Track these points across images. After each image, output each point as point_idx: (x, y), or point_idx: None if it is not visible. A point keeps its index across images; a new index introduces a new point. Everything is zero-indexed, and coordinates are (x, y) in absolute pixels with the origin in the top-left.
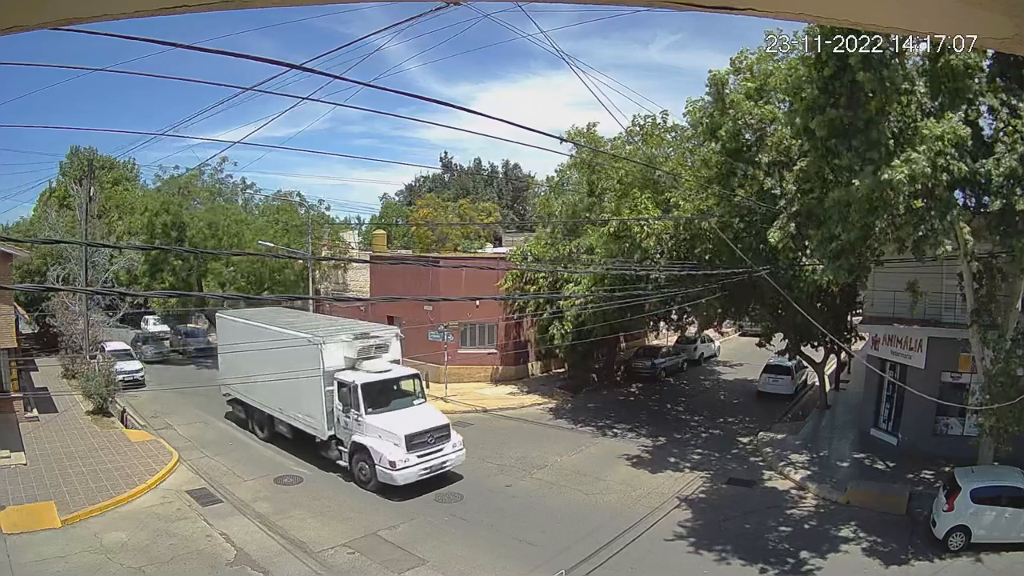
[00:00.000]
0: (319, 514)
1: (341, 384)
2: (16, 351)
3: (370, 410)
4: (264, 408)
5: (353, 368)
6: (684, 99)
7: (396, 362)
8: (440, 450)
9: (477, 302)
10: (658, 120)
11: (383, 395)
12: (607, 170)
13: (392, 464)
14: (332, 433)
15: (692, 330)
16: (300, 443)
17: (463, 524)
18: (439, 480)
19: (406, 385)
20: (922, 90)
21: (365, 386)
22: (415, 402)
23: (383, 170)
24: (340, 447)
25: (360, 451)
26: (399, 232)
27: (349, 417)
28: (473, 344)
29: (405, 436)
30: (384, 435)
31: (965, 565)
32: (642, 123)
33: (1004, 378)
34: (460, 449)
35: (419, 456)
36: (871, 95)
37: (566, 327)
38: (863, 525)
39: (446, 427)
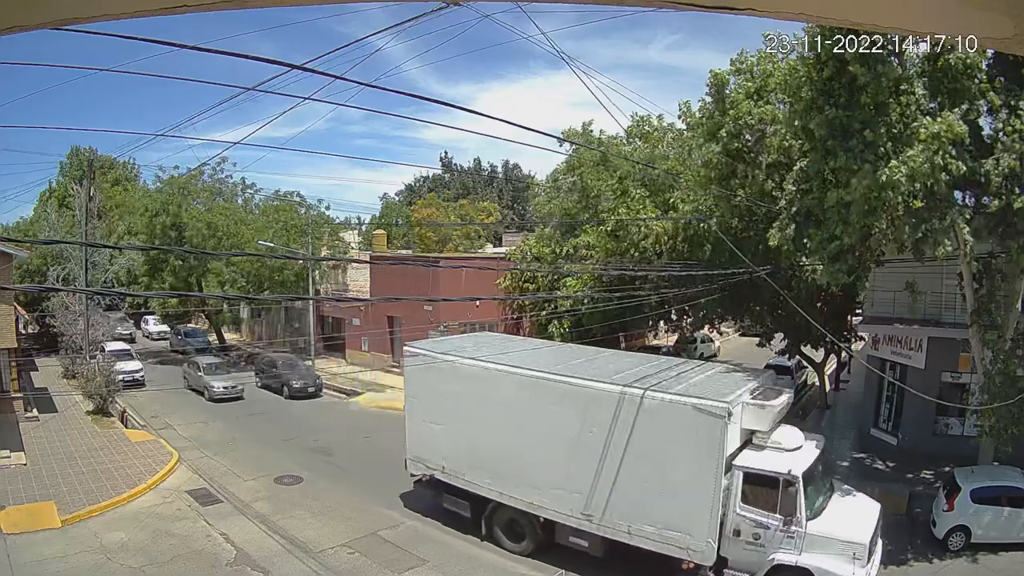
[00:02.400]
0: (319, 514)
1: (754, 477)
2: (16, 351)
3: (808, 512)
4: (540, 510)
5: (751, 445)
6: (683, 99)
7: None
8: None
9: (477, 302)
10: (655, 121)
11: (814, 484)
12: (605, 172)
13: None
14: (721, 555)
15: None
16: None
17: (463, 524)
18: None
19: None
20: (920, 90)
21: (806, 476)
22: (833, 482)
23: (383, 170)
24: None
25: None
26: (399, 232)
27: (769, 528)
28: None
29: (867, 542)
30: (833, 546)
31: (965, 565)
32: (640, 122)
33: (1003, 378)
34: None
35: (866, 567)
36: (869, 94)
37: (564, 326)
38: None
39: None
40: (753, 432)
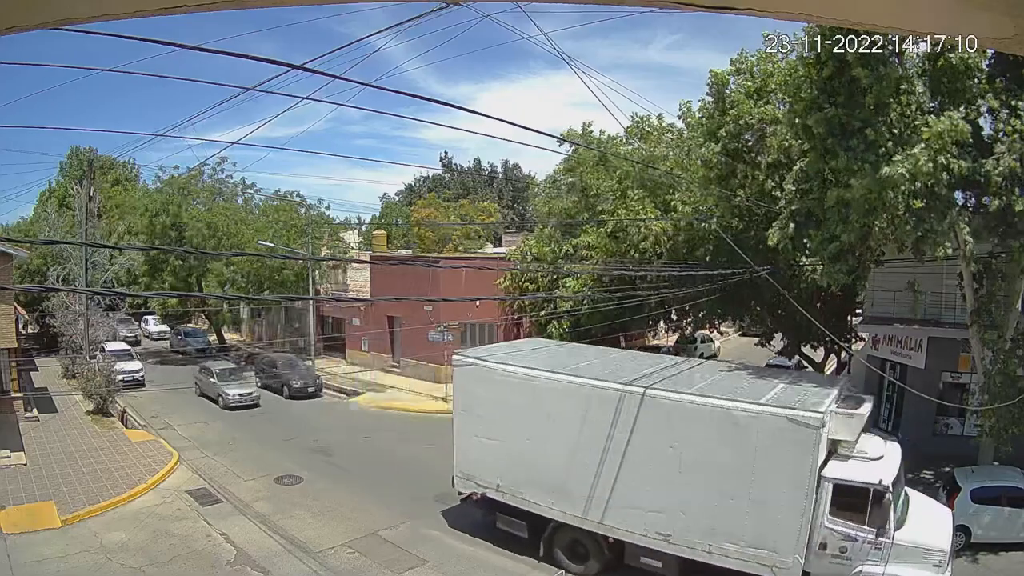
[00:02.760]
0: (319, 514)
1: (844, 489)
2: (16, 351)
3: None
4: (610, 530)
5: (836, 455)
6: (683, 99)
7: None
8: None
9: (477, 302)
10: (654, 121)
11: (897, 492)
12: (604, 172)
13: None
14: (805, 571)
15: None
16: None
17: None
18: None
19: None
20: (920, 89)
21: (893, 485)
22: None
23: (383, 170)
24: None
25: None
26: (399, 232)
27: (857, 541)
28: (473, 344)
29: (949, 549)
30: (918, 555)
31: (965, 565)
32: (640, 123)
33: (1003, 378)
34: None
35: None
36: (869, 93)
37: (564, 326)
38: None
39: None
40: (837, 442)
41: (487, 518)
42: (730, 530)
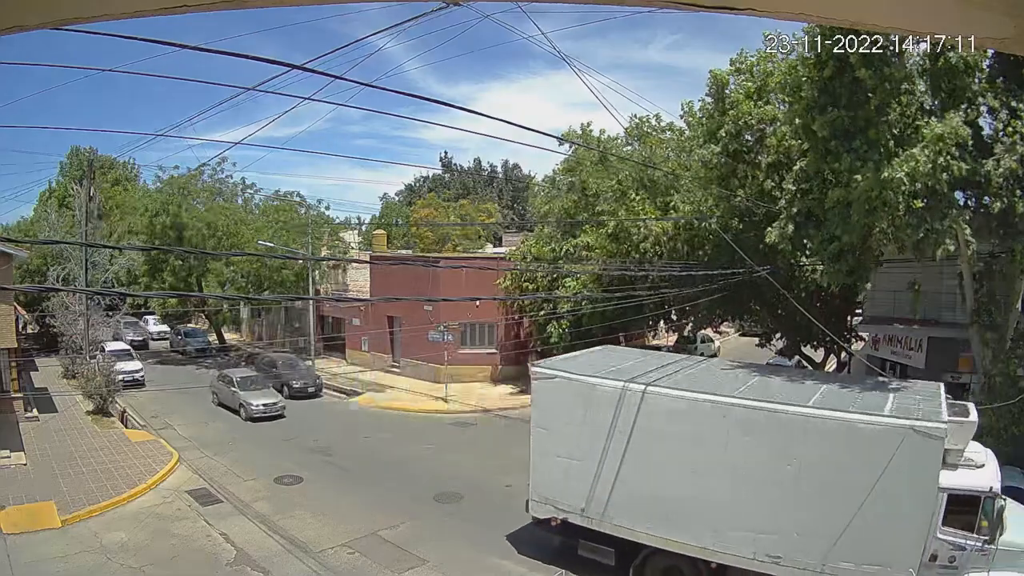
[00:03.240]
0: (319, 514)
1: (957, 498)
2: (16, 351)
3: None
4: (714, 555)
5: (945, 464)
6: (683, 99)
7: None
8: None
9: (477, 302)
10: (653, 122)
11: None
12: (604, 172)
13: None
14: None
15: (702, 332)
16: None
17: (463, 524)
18: (441, 480)
19: None
20: (922, 89)
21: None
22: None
23: (383, 170)
24: None
25: None
26: (399, 232)
27: (966, 549)
28: (473, 344)
29: None
30: (1016, 558)
31: None
32: (640, 123)
33: (1003, 378)
34: None
35: None
36: (871, 94)
37: (563, 326)
38: None
39: None
40: (947, 450)
41: (564, 543)
42: (846, 548)
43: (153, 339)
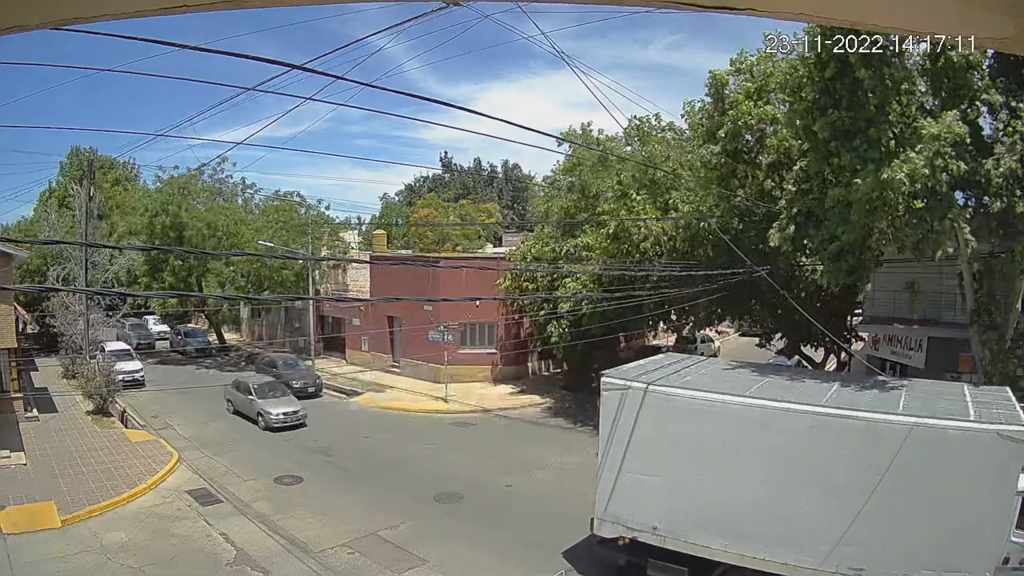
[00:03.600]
0: (319, 514)
1: None
2: (16, 351)
3: None
4: (795, 571)
5: None
6: (682, 99)
7: None
8: None
9: (477, 302)
10: (653, 122)
11: None
12: (604, 172)
13: None
14: None
15: (702, 332)
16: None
17: (463, 524)
18: (441, 480)
19: None
20: (922, 88)
21: None
22: None
23: (383, 170)
24: None
25: None
26: (399, 232)
27: None
28: (473, 344)
29: None
30: None
31: None
32: (639, 123)
33: (1003, 378)
34: None
35: None
36: (871, 94)
37: (563, 326)
38: None
39: None
40: None
41: (630, 562)
42: (928, 556)
43: (154, 339)
